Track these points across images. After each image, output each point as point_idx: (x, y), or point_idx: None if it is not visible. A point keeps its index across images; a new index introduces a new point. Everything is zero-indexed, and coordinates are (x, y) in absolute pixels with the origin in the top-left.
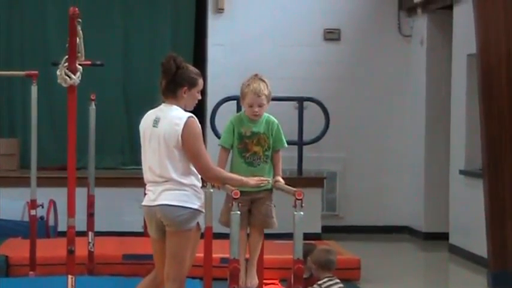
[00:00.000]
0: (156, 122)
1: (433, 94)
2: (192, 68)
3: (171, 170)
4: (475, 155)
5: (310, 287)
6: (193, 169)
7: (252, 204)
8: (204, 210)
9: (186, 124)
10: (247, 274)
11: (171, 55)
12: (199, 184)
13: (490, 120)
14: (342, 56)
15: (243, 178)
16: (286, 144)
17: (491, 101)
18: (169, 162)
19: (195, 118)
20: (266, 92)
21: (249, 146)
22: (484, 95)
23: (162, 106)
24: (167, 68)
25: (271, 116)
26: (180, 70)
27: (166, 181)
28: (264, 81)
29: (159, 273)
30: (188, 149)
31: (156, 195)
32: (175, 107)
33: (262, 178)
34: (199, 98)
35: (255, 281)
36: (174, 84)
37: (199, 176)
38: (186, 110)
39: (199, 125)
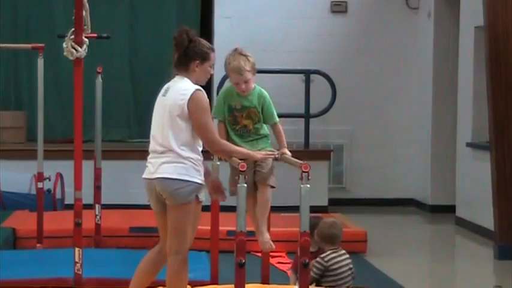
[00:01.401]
0: (165, 92)
1: (440, 67)
2: (204, 42)
3: (172, 139)
4: (482, 128)
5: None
6: (195, 143)
7: (256, 164)
8: (204, 183)
9: (192, 96)
10: (259, 232)
11: (184, 28)
12: (200, 158)
13: (497, 93)
14: (348, 29)
15: (249, 152)
16: (277, 119)
17: (499, 73)
18: (171, 130)
19: (203, 91)
20: (248, 67)
21: (239, 119)
22: (491, 67)
23: (175, 78)
24: (179, 42)
25: (263, 90)
26: (192, 44)
27: (166, 151)
28: (243, 55)
29: (164, 246)
30: (195, 121)
31: (155, 168)
32: (185, 79)
33: (268, 152)
34: (212, 72)
35: (267, 235)
36: (186, 58)
37: (200, 150)
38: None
39: (207, 98)
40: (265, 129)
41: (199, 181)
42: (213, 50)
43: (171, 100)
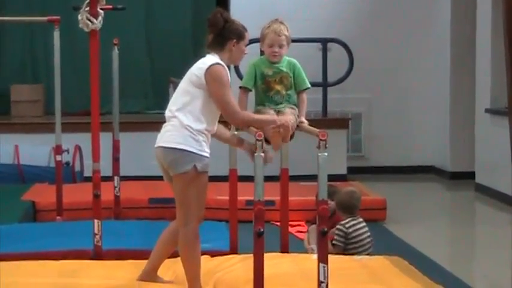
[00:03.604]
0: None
1: (458, 32)
2: (238, 21)
3: (180, 104)
4: (500, 93)
5: (333, 227)
6: (204, 115)
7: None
8: (204, 154)
9: (210, 68)
10: None
11: (218, 10)
12: (203, 131)
13: None
14: None
15: (268, 117)
16: (309, 85)
17: None
18: (181, 96)
19: (224, 65)
20: (286, 33)
21: (272, 85)
22: (509, 32)
23: (207, 55)
24: (214, 22)
25: (292, 58)
26: (227, 23)
27: (171, 117)
28: (284, 23)
29: None
30: (213, 94)
31: (160, 137)
32: (216, 55)
33: (291, 118)
34: (246, 52)
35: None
36: (222, 38)
37: (204, 125)
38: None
39: (227, 72)
40: (295, 98)
41: (196, 151)
42: (246, 29)
43: (191, 70)
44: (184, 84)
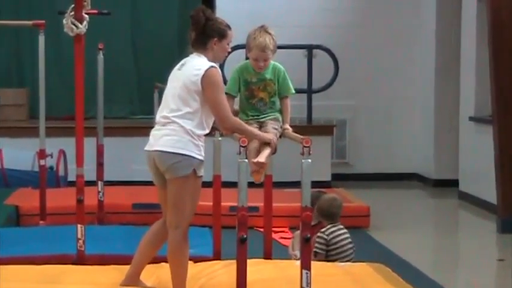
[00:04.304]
0: (181, 66)
1: (443, 40)
2: (221, 19)
3: (179, 110)
4: (484, 102)
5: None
6: (202, 119)
7: (261, 128)
8: (202, 159)
9: (206, 72)
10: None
11: (201, 7)
12: (203, 136)
13: (500, 67)
14: (350, 3)
15: (260, 133)
16: (293, 91)
17: (501, 46)
18: (180, 102)
19: (217, 68)
20: (271, 47)
21: (255, 92)
22: (493, 40)
23: (192, 54)
24: (196, 20)
25: (277, 64)
26: (209, 21)
27: (169, 123)
28: (270, 33)
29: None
30: (208, 98)
31: (155, 140)
32: (202, 56)
33: (275, 139)
34: (229, 50)
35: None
36: (203, 36)
37: (205, 131)
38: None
39: (221, 76)
40: (279, 104)
41: (196, 156)
42: (229, 28)
43: (185, 75)
44: (177, 89)
